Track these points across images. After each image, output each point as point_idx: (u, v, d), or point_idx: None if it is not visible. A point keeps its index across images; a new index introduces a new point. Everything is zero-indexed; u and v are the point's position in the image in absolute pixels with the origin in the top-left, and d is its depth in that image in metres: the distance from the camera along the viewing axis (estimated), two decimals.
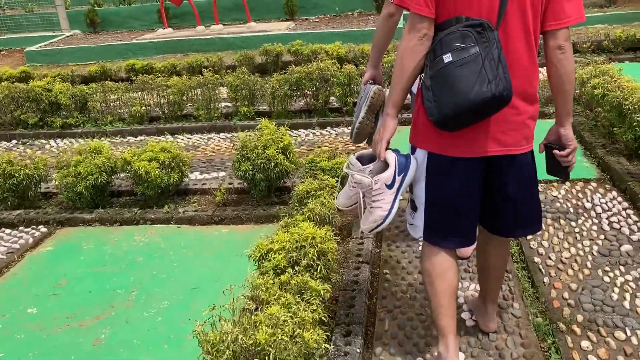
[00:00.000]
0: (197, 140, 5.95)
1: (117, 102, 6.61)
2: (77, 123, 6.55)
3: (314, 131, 5.90)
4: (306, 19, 13.02)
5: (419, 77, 2.07)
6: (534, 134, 2.12)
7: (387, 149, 2.12)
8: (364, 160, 2.27)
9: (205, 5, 12.55)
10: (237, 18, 13.10)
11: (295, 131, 5.96)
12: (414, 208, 2.28)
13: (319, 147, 5.39)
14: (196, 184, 4.53)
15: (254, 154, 3.92)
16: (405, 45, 1.97)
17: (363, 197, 2.21)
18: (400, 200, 2.21)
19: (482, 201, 2.18)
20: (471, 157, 2.04)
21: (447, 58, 1.85)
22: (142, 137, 6.24)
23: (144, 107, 6.51)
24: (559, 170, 2.16)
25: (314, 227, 2.85)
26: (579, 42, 7.83)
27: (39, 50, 11.47)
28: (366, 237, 3.38)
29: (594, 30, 8.19)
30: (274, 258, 2.63)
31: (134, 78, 7.87)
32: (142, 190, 4.16)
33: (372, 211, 2.13)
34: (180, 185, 4.41)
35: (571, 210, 3.70)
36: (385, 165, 2.14)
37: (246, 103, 6.25)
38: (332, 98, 6.20)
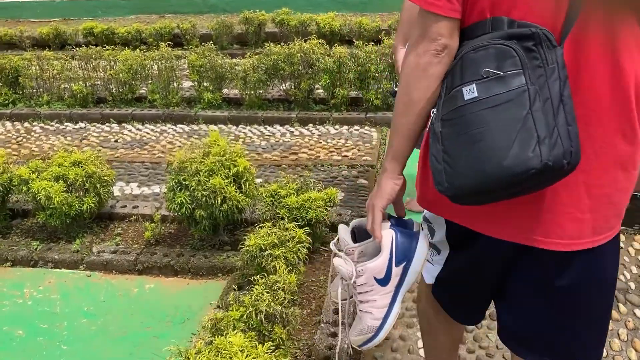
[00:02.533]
0: (147, 134, 4.81)
1: (59, 77, 5.41)
2: (6, 102, 5.38)
3: (292, 129, 4.76)
4: None
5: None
6: None
7: (384, 220, 1.33)
8: (363, 231, 1.38)
9: None
10: None
11: (269, 127, 4.82)
12: (437, 249, 1.49)
13: (294, 153, 4.27)
14: (125, 206, 3.42)
15: (194, 182, 2.81)
16: (413, 63, 1.20)
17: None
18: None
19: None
20: (498, 238, 1.26)
21: (470, 92, 1.08)
22: (83, 124, 5.09)
23: (89, 86, 5.34)
24: None
25: (251, 341, 1.79)
26: None
27: None
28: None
29: None
30: None
31: (88, 44, 6.74)
32: (44, 219, 3.06)
33: (361, 317, 1.36)
34: (103, 208, 3.31)
35: None
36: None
37: (211, 88, 5.09)
38: (317, 86, 5.04)
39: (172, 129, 4.89)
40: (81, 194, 3.08)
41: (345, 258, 1.33)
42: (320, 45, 4.85)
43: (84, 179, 3.08)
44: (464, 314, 1.56)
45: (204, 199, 2.78)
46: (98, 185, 3.11)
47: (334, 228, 3.11)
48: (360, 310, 1.36)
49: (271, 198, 2.88)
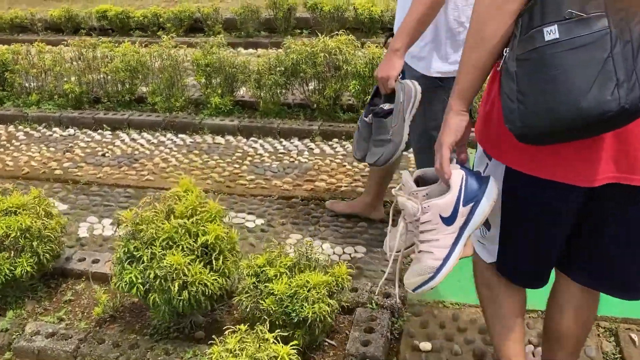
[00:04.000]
0: (141, 146, 4.06)
1: (50, 73, 4.70)
2: None
3: (312, 145, 3.92)
4: None
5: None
6: None
7: (453, 161, 1.35)
8: (426, 180, 1.42)
9: None
10: None
11: (285, 142, 3.99)
12: (487, 225, 1.47)
13: (310, 181, 3.43)
14: (84, 259, 2.68)
15: (146, 255, 2.03)
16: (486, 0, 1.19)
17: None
18: None
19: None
20: (574, 185, 1.25)
21: (551, 33, 1.06)
22: (73, 130, 4.39)
23: (83, 84, 4.62)
24: None
25: None
26: None
27: None
28: None
29: None
30: None
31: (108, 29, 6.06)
32: None
33: (419, 258, 1.36)
34: (52, 265, 2.57)
35: None
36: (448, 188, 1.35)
37: (220, 91, 4.28)
38: (345, 92, 4.16)
39: (172, 140, 4.12)
40: (12, 254, 2.35)
41: (410, 198, 1.34)
42: (350, 42, 3.95)
43: (19, 234, 2.34)
44: (534, 279, 1.55)
45: (157, 281, 1.99)
46: (35, 244, 2.36)
47: (345, 310, 2.30)
48: (420, 251, 1.37)
49: (255, 278, 2.07)
